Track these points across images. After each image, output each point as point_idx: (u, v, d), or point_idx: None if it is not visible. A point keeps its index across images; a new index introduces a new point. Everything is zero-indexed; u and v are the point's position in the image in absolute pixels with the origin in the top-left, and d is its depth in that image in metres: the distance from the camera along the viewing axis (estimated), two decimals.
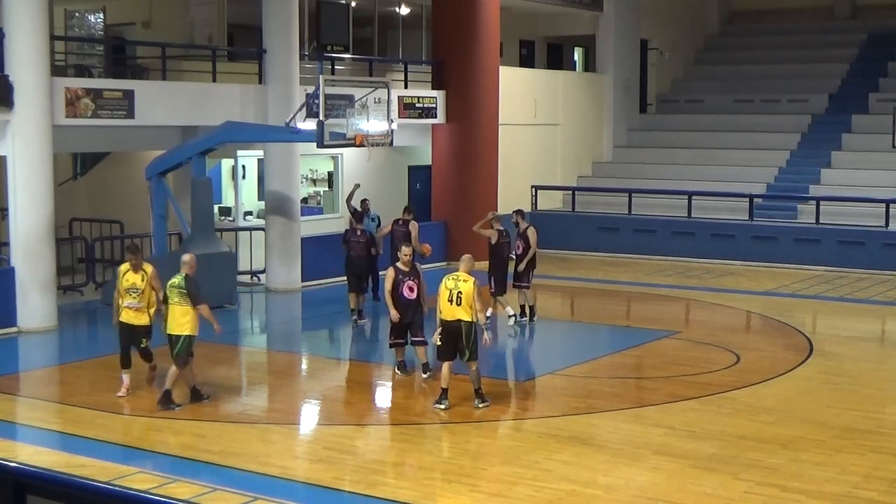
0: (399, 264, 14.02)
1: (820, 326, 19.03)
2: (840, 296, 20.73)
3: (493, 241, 17.54)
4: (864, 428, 12.11)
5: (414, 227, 18.47)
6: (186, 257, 13.21)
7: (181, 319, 12.83)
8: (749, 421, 12.23)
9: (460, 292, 12.51)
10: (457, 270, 12.85)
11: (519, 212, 18.19)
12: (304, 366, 16.14)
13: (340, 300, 18.27)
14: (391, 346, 14.37)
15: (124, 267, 13.41)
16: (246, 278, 21.16)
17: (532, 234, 17.53)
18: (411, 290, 13.85)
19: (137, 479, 10.04)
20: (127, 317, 13.27)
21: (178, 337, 12.84)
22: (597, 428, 12.10)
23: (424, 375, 13.94)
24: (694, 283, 22.03)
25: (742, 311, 19.50)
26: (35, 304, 16.90)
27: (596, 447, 11.40)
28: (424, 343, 13.99)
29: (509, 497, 9.92)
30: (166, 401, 12.75)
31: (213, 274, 18.78)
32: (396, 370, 14.34)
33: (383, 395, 14.23)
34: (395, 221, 18.76)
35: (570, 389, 13.81)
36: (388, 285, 13.89)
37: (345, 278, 18.12)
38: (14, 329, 16.77)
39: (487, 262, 17.63)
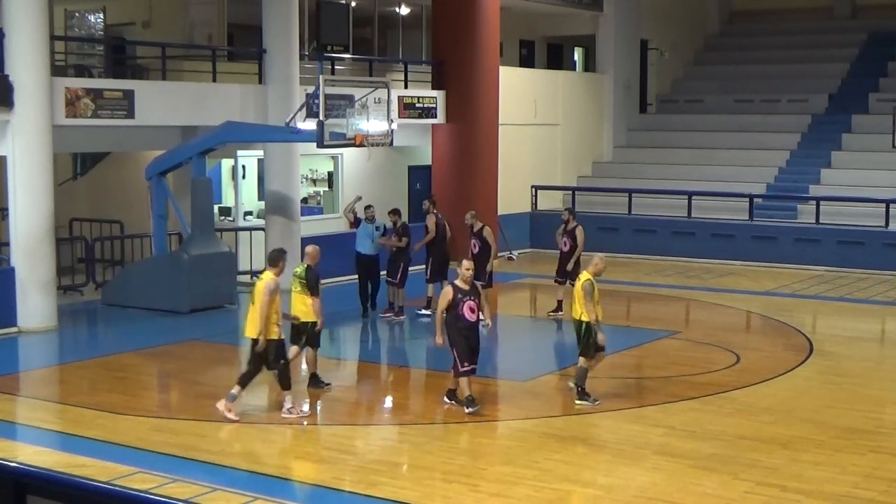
0: (459, 282, 12.41)
1: (820, 326, 19.03)
2: (840, 296, 20.72)
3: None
4: (864, 428, 12.11)
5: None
6: (310, 248, 13.65)
7: (306, 308, 13.15)
8: (749, 421, 12.23)
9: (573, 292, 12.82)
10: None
11: (570, 210, 18.62)
12: (304, 366, 16.12)
13: (340, 300, 18.26)
14: (461, 374, 12.32)
15: (269, 275, 12.25)
16: (246, 278, 21.14)
17: (580, 232, 17.92)
18: (472, 311, 12.28)
19: (137, 479, 10.04)
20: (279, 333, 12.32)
21: (306, 324, 13.22)
22: (597, 428, 12.10)
23: (468, 410, 12.30)
24: (694, 283, 22.02)
25: (742, 311, 19.50)
26: (35, 304, 16.90)
27: (596, 447, 11.40)
28: (473, 372, 12.45)
29: (509, 497, 9.92)
30: (316, 382, 13.44)
31: (213, 274, 18.83)
32: (466, 408, 12.30)
33: (384, 395, 14.23)
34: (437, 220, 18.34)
35: (568, 390, 13.79)
36: (442, 304, 12.28)
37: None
38: (14, 329, 16.77)
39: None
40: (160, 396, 14.24)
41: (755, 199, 25.51)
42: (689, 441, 11.49)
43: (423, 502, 9.79)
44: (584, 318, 12.78)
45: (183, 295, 18.40)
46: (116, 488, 6.46)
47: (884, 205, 23.68)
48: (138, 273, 19.33)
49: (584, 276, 12.90)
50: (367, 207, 18.54)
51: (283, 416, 12.25)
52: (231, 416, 12.10)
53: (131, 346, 16.14)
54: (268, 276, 12.23)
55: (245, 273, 21.08)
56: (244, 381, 12.32)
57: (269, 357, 12.21)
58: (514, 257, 24.95)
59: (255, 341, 12.16)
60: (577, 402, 12.76)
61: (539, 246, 26.51)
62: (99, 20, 24.43)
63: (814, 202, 24.81)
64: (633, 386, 14.39)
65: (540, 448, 11.35)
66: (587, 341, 12.83)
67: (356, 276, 18.60)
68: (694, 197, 25.80)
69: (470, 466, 10.72)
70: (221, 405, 12.18)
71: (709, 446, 11.28)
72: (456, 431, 12.09)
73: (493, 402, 13.31)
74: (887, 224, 23.57)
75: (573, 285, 17.61)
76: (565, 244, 17.98)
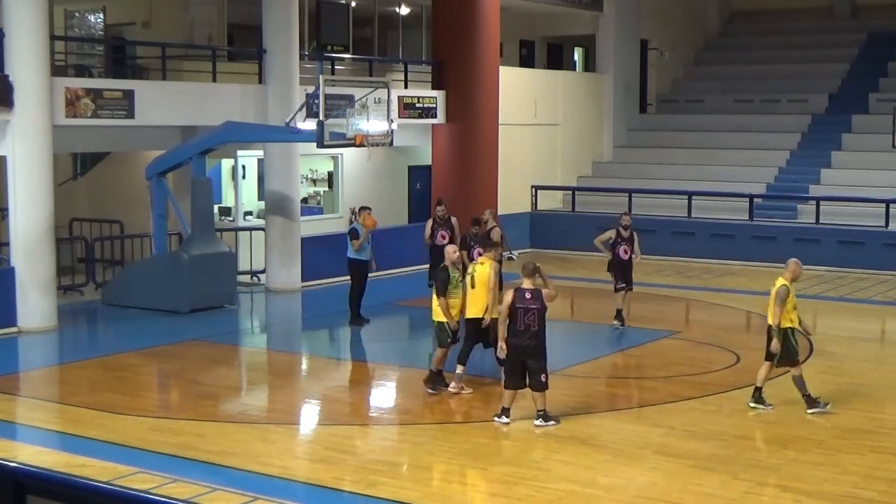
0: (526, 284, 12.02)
1: (820, 326, 18.99)
2: (840, 296, 20.72)
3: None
4: (864, 428, 12.11)
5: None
6: (450, 248, 13.83)
7: (435, 306, 13.56)
8: (749, 421, 12.24)
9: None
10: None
11: (627, 214, 18.04)
12: (304, 366, 16.14)
13: (340, 300, 18.26)
14: (507, 387, 12.12)
15: (490, 260, 13.48)
16: (246, 278, 21.16)
17: (637, 237, 17.54)
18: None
19: (137, 479, 10.04)
20: None
21: (433, 322, 13.68)
22: (597, 428, 12.10)
23: (537, 423, 11.93)
24: (694, 283, 22.02)
25: (742, 311, 19.49)
26: (35, 304, 16.89)
27: (596, 447, 11.40)
28: (544, 387, 11.98)
29: (509, 497, 9.92)
30: (434, 380, 13.38)
31: (213, 274, 18.83)
32: (497, 419, 12.09)
33: (383, 395, 14.23)
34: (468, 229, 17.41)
35: (570, 389, 13.80)
36: (504, 311, 11.95)
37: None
38: (14, 329, 16.77)
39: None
40: (160, 396, 14.24)
41: (755, 199, 25.51)
42: (689, 441, 11.49)
43: (423, 502, 9.79)
44: (784, 325, 12.51)
45: (183, 295, 18.40)
46: (116, 488, 6.46)
47: (884, 205, 23.68)
48: (138, 273, 19.33)
49: (781, 281, 12.56)
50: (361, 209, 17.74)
51: (452, 389, 13.24)
52: (466, 391, 13.20)
53: (131, 346, 16.14)
54: (490, 262, 13.38)
55: (245, 273, 21.09)
56: (464, 359, 13.27)
57: (490, 334, 13.01)
58: (515, 257, 24.91)
59: (479, 320, 13.18)
60: (809, 411, 12.49)
61: (539, 246, 26.52)
62: (99, 20, 24.43)
63: (814, 202, 24.82)
64: (633, 386, 14.39)
65: (540, 448, 11.35)
66: (789, 348, 12.57)
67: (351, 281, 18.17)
68: (694, 197, 25.79)
69: (470, 466, 10.72)
70: (454, 387, 13.15)
71: (709, 446, 11.28)
72: (456, 431, 12.09)
73: (493, 402, 13.31)
74: (887, 224, 23.57)
75: (630, 290, 17.45)
76: (625, 252, 17.27)
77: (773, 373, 14.41)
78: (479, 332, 13.28)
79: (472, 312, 13.30)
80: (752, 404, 12.69)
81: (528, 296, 11.88)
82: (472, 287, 13.26)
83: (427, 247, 18.30)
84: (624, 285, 17.42)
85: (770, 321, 12.57)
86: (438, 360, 13.42)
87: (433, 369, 13.47)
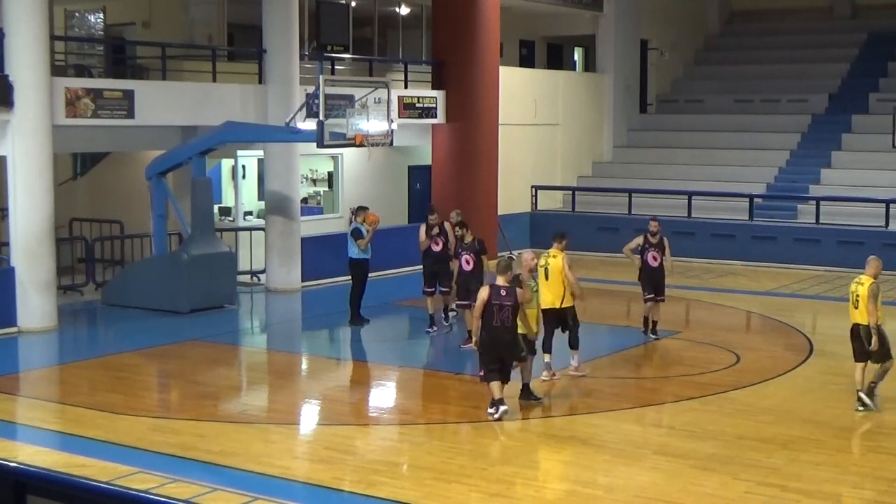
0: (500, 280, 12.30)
1: (820, 326, 19.02)
2: (840, 296, 20.58)
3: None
4: (864, 428, 12.12)
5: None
6: (527, 255, 13.81)
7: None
8: (749, 421, 12.23)
9: (858, 295, 12.53)
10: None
11: (655, 219, 17.04)
12: (304, 366, 16.14)
13: (340, 300, 18.27)
14: (482, 379, 12.59)
15: (559, 252, 14.19)
16: (246, 278, 21.16)
17: (667, 242, 16.75)
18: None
19: (137, 479, 10.04)
20: None
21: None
22: (597, 428, 12.10)
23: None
24: (694, 283, 22.01)
25: (742, 311, 19.50)
26: (35, 304, 16.89)
27: (596, 447, 11.40)
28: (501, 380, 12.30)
29: (509, 497, 9.92)
30: (527, 394, 13.02)
31: (213, 274, 18.84)
32: (491, 413, 12.20)
33: (383, 395, 14.23)
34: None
35: (570, 389, 13.81)
36: (479, 307, 12.20)
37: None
38: (14, 329, 16.76)
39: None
40: (160, 396, 14.24)
41: (755, 199, 25.51)
42: (689, 441, 11.49)
43: (423, 502, 9.79)
44: (868, 322, 12.45)
45: (183, 295, 18.40)
46: (116, 488, 6.47)
47: (884, 205, 23.68)
48: (138, 273, 19.33)
49: (868, 279, 12.53)
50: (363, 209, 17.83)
51: (572, 373, 14.15)
52: (557, 376, 13.97)
53: (131, 346, 16.14)
54: (561, 254, 14.09)
55: (245, 273, 21.09)
56: (549, 347, 13.95)
57: (568, 319, 14.08)
58: (514, 257, 24.93)
59: (555, 309, 13.98)
60: (862, 396, 12.52)
61: (539, 246, 26.40)
62: (99, 20, 24.46)
63: (814, 202, 24.82)
64: (633, 386, 14.38)
65: (540, 448, 11.35)
66: (882, 346, 12.49)
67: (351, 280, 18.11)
68: (694, 197, 25.80)
69: (470, 466, 10.72)
70: (546, 375, 13.81)
71: (709, 446, 11.28)
72: (456, 431, 12.10)
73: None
74: (887, 224, 23.57)
75: (662, 301, 16.70)
76: (654, 259, 16.39)
77: (773, 373, 14.42)
78: (556, 319, 14.06)
79: (547, 302, 13.79)
80: (865, 402, 12.60)
81: (502, 293, 12.18)
82: (546, 279, 13.85)
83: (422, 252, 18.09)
84: (652, 296, 16.52)
85: (862, 321, 12.46)
86: (528, 372, 13.08)
87: (526, 382, 13.04)
